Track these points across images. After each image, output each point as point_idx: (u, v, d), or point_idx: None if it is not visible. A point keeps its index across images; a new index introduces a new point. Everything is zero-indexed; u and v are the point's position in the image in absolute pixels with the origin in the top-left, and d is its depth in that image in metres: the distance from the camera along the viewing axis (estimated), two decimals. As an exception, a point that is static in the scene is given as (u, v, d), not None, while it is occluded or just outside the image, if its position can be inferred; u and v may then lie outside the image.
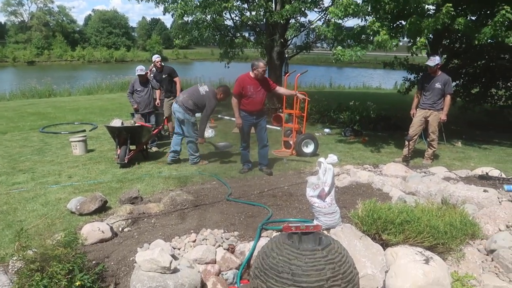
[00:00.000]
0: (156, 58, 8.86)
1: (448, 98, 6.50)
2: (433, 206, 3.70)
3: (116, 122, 6.98)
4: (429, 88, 6.56)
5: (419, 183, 5.00)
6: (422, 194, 4.68)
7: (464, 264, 3.19)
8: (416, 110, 6.83)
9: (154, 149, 7.69)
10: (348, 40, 7.87)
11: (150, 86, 7.84)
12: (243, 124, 5.97)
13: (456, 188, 4.50)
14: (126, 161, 6.48)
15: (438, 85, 6.47)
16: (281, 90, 6.39)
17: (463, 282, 2.90)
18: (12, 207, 4.81)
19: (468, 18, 7.26)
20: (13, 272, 2.71)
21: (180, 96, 6.71)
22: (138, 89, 7.72)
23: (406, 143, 6.71)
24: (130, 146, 6.70)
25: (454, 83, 11.34)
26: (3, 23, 64.50)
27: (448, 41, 10.02)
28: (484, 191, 4.37)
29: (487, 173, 5.42)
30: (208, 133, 8.89)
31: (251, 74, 5.86)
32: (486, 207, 4.07)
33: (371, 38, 7.00)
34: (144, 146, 7.15)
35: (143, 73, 7.64)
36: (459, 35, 8.58)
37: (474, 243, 3.52)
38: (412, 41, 7.11)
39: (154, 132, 7.43)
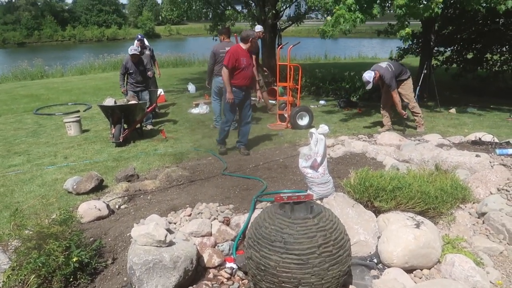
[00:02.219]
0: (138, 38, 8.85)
1: (393, 96, 6.54)
2: (425, 172, 3.74)
3: (109, 101, 6.94)
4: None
5: (413, 151, 5.03)
6: (415, 162, 4.72)
7: (455, 227, 3.25)
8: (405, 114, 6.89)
9: (149, 127, 7.66)
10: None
11: (143, 65, 7.63)
12: (233, 99, 5.59)
13: (449, 154, 4.54)
14: (121, 140, 6.47)
15: (386, 87, 6.62)
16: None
17: (454, 244, 2.96)
18: (9, 189, 4.85)
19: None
20: (11, 251, 2.76)
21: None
22: (131, 70, 7.46)
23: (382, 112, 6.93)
24: (125, 124, 6.67)
25: (449, 49, 11.28)
26: (-10, 4, 62.88)
27: (442, 6, 9.85)
28: (477, 156, 4.41)
29: (479, 138, 5.46)
30: (203, 109, 8.87)
31: (243, 46, 5.61)
32: (478, 171, 4.12)
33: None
34: (139, 124, 7.12)
35: (137, 52, 7.45)
36: (453, 0, 8.42)
37: (465, 207, 3.58)
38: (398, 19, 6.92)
39: (148, 110, 7.38)
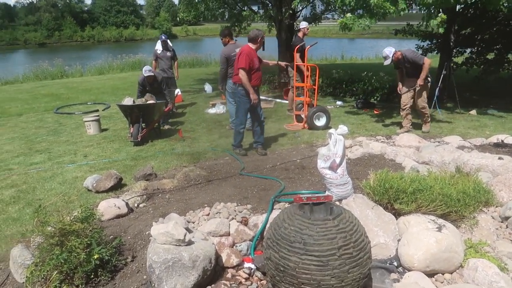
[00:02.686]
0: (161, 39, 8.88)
1: (425, 64, 6.36)
2: (446, 174, 3.67)
3: (128, 101, 7.01)
4: (403, 68, 6.65)
5: (433, 152, 4.95)
6: (435, 164, 4.64)
7: (477, 231, 3.18)
8: (402, 86, 6.82)
9: (167, 126, 7.73)
10: (359, 10, 7.64)
11: (157, 82, 7.46)
12: (246, 101, 5.55)
13: (470, 157, 4.45)
14: (139, 139, 6.54)
15: (407, 65, 6.51)
16: (264, 60, 6.12)
17: (477, 249, 2.90)
18: (31, 186, 4.95)
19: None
20: (34, 247, 2.82)
21: None
22: (147, 88, 7.41)
23: (402, 113, 6.84)
24: (143, 124, 6.73)
25: (469, 50, 11.03)
26: (12, 5, 64.49)
27: (462, 6, 9.68)
28: (499, 158, 4.31)
29: (502, 141, 5.34)
30: (220, 109, 8.89)
31: (252, 46, 5.54)
32: (501, 174, 4.02)
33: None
34: (157, 124, 7.18)
35: (152, 73, 7.35)
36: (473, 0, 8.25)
37: (488, 210, 3.50)
38: (425, 9, 6.81)
39: (166, 110, 7.44)
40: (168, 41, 8.99)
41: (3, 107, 10.68)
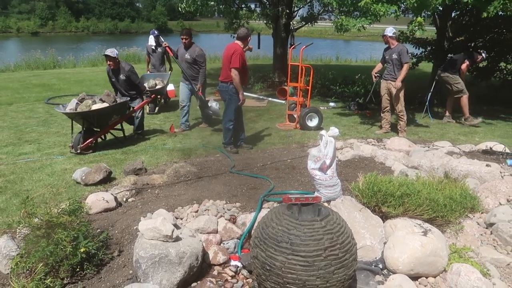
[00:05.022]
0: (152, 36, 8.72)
1: (404, 66, 6.58)
2: (434, 179, 3.71)
3: (72, 103, 5.90)
4: (389, 60, 6.82)
5: (422, 157, 5.00)
6: (424, 168, 4.69)
7: (462, 236, 3.22)
8: (375, 76, 7.27)
9: (136, 135, 6.75)
10: (355, 12, 7.69)
11: (124, 75, 6.46)
12: (238, 99, 5.64)
13: (458, 163, 4.50)
14: (78, 151, 5.71)
15: (395, 56, 6.68)
16: None
17: (461, 254, 2.94)
18: (19, 177, 4.90)
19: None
20: (20, 238, 2.80)
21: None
22: (112, 79, 6.59)
23: (382, 115, 7.11)
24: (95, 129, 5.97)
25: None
26: (6, -7, 63.60)
27: (458, 13, 9.78)
28: (487, 165, 4.37)
29: (491, 148, 5.41)
30: (213, 105, 8.85)
31: (241, 45, 5.55)
32: (488, 181, 4.08)
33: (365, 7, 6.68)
34: (121, 129, 6.42)
35: (113, 54, 6.36)
36: (468, 7, 8.31)
37: (473, 216, 3.55)
38: (415, 17, 6.91)
39: (134, 109, 6.54)
40: (160, 37, 8.77)
41: (-7, 96, 10.56)
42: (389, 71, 6.84)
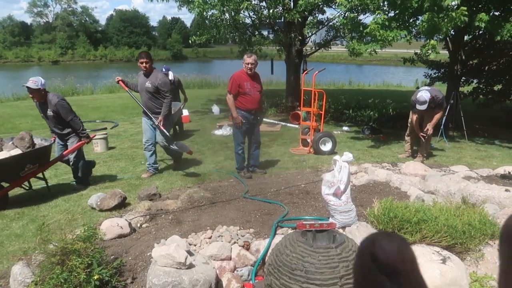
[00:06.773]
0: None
1: (439, 114, 6.48)
2: (451, 205, 3.64)
3: (5, 151, 4.82)
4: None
5: (439, 182, 4.91)
6: (441, 193, 4.60)
7: (483, 264, 3.13)
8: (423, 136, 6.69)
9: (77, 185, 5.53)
10: (367, 37, 7.77)
11: (52, 110, 5.21)
12: (241, 124, 5.62)
13: (476, 188, 4.41)
14: None
15: (432, 105, 6.31)
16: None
17: (482, 282, 2.85)
18: (35, 202, 4.97)
19: (491, 14, 7.09)
20: (35, 265, 2.81)
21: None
22: (41, 114, 5.40)
23: (406, 138, 7.02)
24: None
25: (475, 81, 11.07)
26: (29, 24, 66.32)
27: (470, 36, 9.78)
28: (506, 190, 4.26)
29: (509, 172, 5.29)
30: (226, 130, 8.94)
31: (245, 70, 5.61)
32: (508, 207, 3.98)
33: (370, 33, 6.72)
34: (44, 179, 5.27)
35: (35, 86, 5.00)
36: (481, 31, 8.30)
37: (494, 243, 3.44)
38: (428, 40, 6.93)
39: (47, 164, 5.27)
40: (170, 72, 8.37)
41: (14, 123, 10.85)
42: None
